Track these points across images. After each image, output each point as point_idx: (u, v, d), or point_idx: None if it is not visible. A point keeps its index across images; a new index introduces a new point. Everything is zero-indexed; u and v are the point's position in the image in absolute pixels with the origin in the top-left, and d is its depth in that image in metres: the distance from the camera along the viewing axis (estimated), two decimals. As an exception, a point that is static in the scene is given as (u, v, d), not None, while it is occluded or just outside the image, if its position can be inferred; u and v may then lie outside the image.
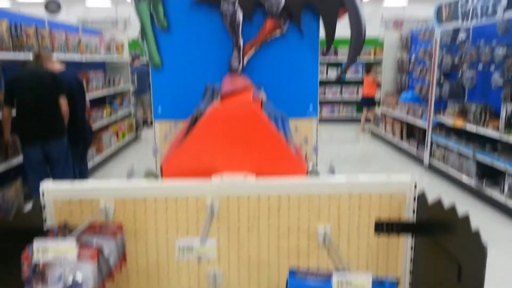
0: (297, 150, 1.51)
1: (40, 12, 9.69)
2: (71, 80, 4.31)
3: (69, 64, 5.60)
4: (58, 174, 3.99)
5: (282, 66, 2.77)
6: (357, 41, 2.63)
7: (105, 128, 6.85)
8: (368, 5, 11.37)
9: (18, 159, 4.28)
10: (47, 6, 6.85)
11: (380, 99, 8.89)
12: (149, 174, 1.75)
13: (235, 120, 1.20)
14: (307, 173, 1.34)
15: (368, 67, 9.21)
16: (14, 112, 3.86)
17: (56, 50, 5.11)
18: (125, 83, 8.18)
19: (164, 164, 1.35)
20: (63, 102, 3.97)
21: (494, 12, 4.99)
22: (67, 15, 9.99)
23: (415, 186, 1.29)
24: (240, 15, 2.62)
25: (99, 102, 6.95)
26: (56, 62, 4.33)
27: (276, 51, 2.75)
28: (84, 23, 9.07)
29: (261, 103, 1.36)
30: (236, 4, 2.60)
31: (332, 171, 1.87)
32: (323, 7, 2.64)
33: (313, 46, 2.76)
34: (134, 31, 2.68)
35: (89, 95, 5.65)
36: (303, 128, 2.84)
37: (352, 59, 2.70)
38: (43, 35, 4.77)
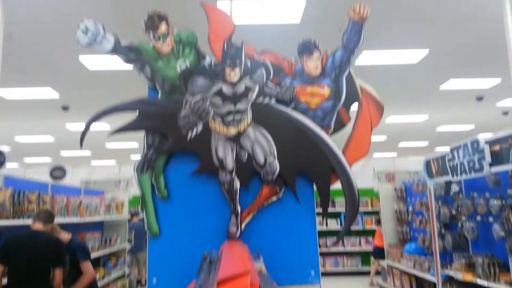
0: None
1: (46, 174, 10.17)
2: (77, 249, 4.17)
3: (67, 226, 5.59)
4: None
5: (280, 231, 2.76)
6: (351, 208, 2.68)
7: (96, 292, 6.43)
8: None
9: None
10: (52, 173, 7.19)
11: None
12: None
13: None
14: None
15: (378, 218, 9.20)
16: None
17: (57, 214, 5.14)
18: (122, 242, 8.02)
19: None
20: (58, 275, 3.75)
21: (481, 167, 5.22)
22: (72, 176, 10.46)
23: None
24: (237, 183, 2.72)
25: (93, 264, 6.68)
26: (63, 232, 4.26)
27: (273, 216, 2.77)
28: (87, 184, 9.39)
29: (259, 286, 1.29)
30: (234, 173, 2.72)
31: None
32: (316, 175, 2.76)
33: (310, 210, 2.79)
34: (135, 189, 2.75)
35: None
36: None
37: (349, 224, 2.71)
38: (45, 199, 4.86)
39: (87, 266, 3.83)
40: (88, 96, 8.11)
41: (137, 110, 2.77)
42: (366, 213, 10.64)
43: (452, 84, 8.33)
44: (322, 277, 9.92)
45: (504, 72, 5.64)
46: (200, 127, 2.75)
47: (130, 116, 2.82)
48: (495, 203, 5.33)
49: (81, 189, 6.75)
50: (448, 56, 6.92)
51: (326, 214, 2.82)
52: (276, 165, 2.75)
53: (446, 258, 6.36)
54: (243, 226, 2.69)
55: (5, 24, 4.47)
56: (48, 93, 8.17)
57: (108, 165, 12.07)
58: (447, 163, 6.11)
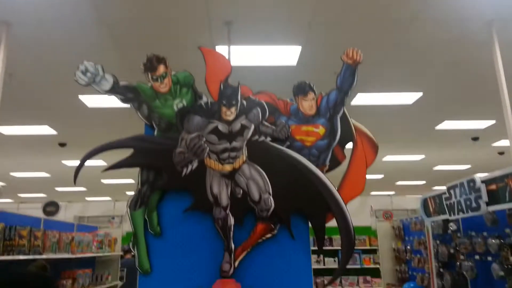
0: None
1: (40, 210, 10.04)
2: None
3: (58, 262, 5.47)
4: None
5: (274, 268, 2.72)
6: (347, 246, 2.66)
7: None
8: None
9: None
10: (45, 209, 7.12)
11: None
12: None
13: None
14: None
15: None
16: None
17: (48, 250, 5.06)
18: (113, 280, 7.82)
19: None
20: None
21: (478, 206, 5.20)
22: (66, 211, 10.34)
23: None
24: (231, 220, 2.70)
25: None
26: None
27: (268, 253, 2.74)
28: (80, 220, 9.28)
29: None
30: (228, 209, 2.72)
31: None
32: (312, 213, 2.76)
33: (305, 248, 2.77)
34: (129, 225, 2.72)
35: (74, 296, 5.33)
36: None
37: (345, 263, 2.69)
38: (37, 235, 4.79)
39: None
40: (86, 133, 8.14)
41: (133, 147, 2.80)
42: (364, 251, 10.47)
43: (447, 125, 8.45)
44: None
45: (498, 114, 5.74)
46: (195, 164, 2.76)
47: (125, 153, 2.84)
48: (493, 242, 5.28)
49: (74, 225, 6.66)
50: (442, 98, 7.06)
51: (322, 252, 2.79)
52: (271, 202, 2.75)
53: (446, 299, 6.23)
54: (236, 263, 2.65)
55: (7, 63, 4.57)
56: (45, 130, 8.20)
57: (103, 201, 11.96)
58: (444, 202, 6.10)
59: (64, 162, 10.73)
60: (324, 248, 10.46)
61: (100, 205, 11.85)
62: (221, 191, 2.74)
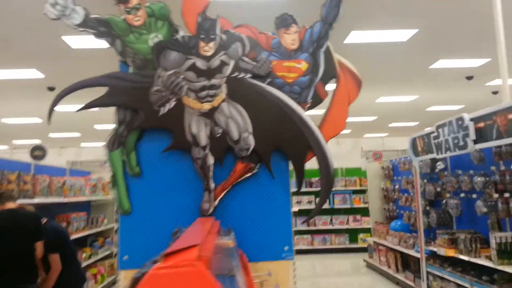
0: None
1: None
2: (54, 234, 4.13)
3: (51, 206, 5.55)
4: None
5: (254, 207, 2.73)
6: (326, 184, 2.66)
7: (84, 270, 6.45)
8: (349, 137, 12.02)
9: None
10: (32, 153, 7.12)
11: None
12: None
13: (174, 281, 1.10)
14: None
15: None
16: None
17: (38, 194, 5.09)
18: (110, 222, 8.01)
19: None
20: (40, 248, 3.78)
21: (465, 144, 5.22)
22: (59, 157, 10.37)
23: None
24: (210, 159, 2.68)
25: (80, 244, 6.69)
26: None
27: (247, 193, 2.74)
28: (73, 165, 9.33)
29: (209, 259, 1.26)
30: (207, 149, 2.68)
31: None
32: (292, 152, 2.72)
33: (284, 186, 2.77)
34: None
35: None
36: (278, 272, 2.66)
37: (323, 201, 2.70)
38: (25, 179, 4.80)
39: (52, 260, 3.83)
40: (73, 76, 7.89)
41: (108, 85, 2.70)
42: (354, 191, 10.73)
43: (442, 64, 8.29)
44: (310, 255, 10.13)
45: (493, 52, 5.59)
46: (172, 103, 2.68)
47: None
48: (478, 179, 5.37)
49: (66, 170, 6.69)
50: (437, 35, 6.85)
51: (299, 189, 2.79)
52: (251, 141, 2.71)
53: (431, 235, 6.45)
54: (216, 202, 2.67)
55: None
56: (33, 74, 8.04)
57: (97, 147, 11.98)
58: (432, 141, 6.12)
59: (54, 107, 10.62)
60: (316, 189, 10.73)
61: (93, 151, 11.87)
62: (200, 131, 2.69)
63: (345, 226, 10.66)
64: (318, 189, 10.57)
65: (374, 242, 8.38)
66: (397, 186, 8.05)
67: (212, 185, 2.67)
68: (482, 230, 5.40)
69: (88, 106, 2.71)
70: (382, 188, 8.71)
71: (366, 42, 6.98)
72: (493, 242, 4.73)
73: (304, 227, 10.53)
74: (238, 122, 2.73)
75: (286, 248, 2.71)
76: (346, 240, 10.70)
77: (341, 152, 11.50)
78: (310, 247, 10.49)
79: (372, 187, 8.89)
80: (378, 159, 9.00)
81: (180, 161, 2.70)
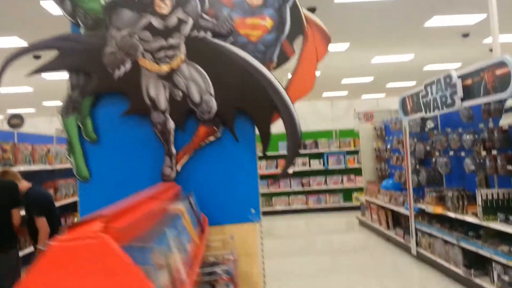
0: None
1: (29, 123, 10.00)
2: (31, 205, 4.13)
3: (36, 173, 5.54)
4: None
5: (219, 171, 2.67)
6: (293, 146, 2.58)
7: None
8: (346, 99, 11.85)
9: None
10: (9, 122, 7.06)
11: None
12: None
13: (76, 253, 1.04)
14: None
15: None
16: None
17: (20, 162, 5.07)
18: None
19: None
20: (16, 215, 3.79)
21: (453, 102, 5.09)
22: (50, 125, 10.28)
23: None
24: (171, 123, 2.58)
25: (71, 209, 6.74)
26: (23, 181, 4.21)
27: (212, 156, 2.67)
28: (62, 133, 9.28)
29: (122, 228, 1.20)
30: (167, 113, 2.58)
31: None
32: (256, 113, 2.62)
33: (250, 148, 2.69)
34: None
35: (57, 204, 5.49)
36: (245, 234, 2.64)
37: (290, 162, 2.63)
38: (5, 148, 4.76)
39: (40, 223, 3.85)
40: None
41: (58, 48, 2.57)
42: (348, 152, 10.70)
43: (437, 21, 7.96)
44: (305, 214, 10.23)
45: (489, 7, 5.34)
46: (128, 65, 2.55)
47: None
48: (467, 137, 5.27)
49: (53, 138, 6.64)
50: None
51: (265, 151, 2.70)
52: (213, 104, 2.61)
53: (420, 193, 6.45)
54: (178, 168, 2.60)
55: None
56: (15, 42, 7.82)
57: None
58: (420, 100, 5.97)
59: (43, 75, 10.44)
60: (310, 151, 10.70)
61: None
62: (159, 94, 2.58)
63: (339, 186, 10.70)
64: (313, 151, 10.59)
65: (366, 200, 8.43)
66: (388, 146, 7.99)
67: (174, 150, 2.60)
68: (471, 188, 5.36)
69: (39, 70, 2.59)
70: (375, 148, 8.66)
71: (357, 1, 6.66)
72: (479, 199, 4.71)
73: (299, 188, 10.59)
74: (199, 84, 2.61)
75: (252, 210, 2.67)
76: (340, 199, 10.78)
77: (336, 114, 11.37)
78: (305, 207, 10.59)
79: (364, 148, 8.85)
80: (369, 120, 8.88)
81: (139, 126, 2.61)
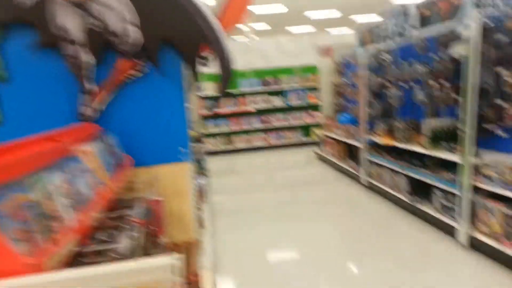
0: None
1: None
2: None
3: None
4: None
5: (144, 109, 2.49)
6: (225, 75, 2.39)
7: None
8: (311, 35, 11.50)
9: None
10: None
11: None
12: None
13: None
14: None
15: None
16: None
17: None
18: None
19: None
20: None
21: (409, 32, 4.96)
22: None
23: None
24: (85, 57, 2.33)
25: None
26: None
27: (138, 94, 2.47)
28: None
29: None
30: (80, 44, 2.32)
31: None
32: (182, 44, 2.40)
33: (177, 86, 2.50)
34: None
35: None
36: (175, 174, 2.53)
37: (222, 89, 2.46)
38: None
39: None
40: None
41: None
42: (309, 89, 10.59)
43: None
44: (267, 151, 10.23)
45: None
46: (32, -10, 2.23)
47: None
48: (419, 68, 5.22)
49: None
50: None
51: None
52: (134, 33, 2.35)
53: (373, 126, 6.51)
54: (97, 106, 2.39)
55: None
56: None
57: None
58: (377, 31, 5.82)
59: None
60: (270, 87, 10.50)
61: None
62: (69, 23, 2.29)
63: (300, 122, 10.72)
64: (274, 88, 10.40)
65: (324, 135, 8.51)
66: (346, 81, 7.92)
67: (90, 86, 2.37)
68: (420, 120, 5.43)
69: None
70: (334, 83, 8.58)
71: None
72: (425, 129, 4.78)
73: (259, 125, 10.53)
74: (117, 11, 2.33)
75: (182, 149, 2.54)
76: (300, 135, 10.86)
77: (300, 50, 11.05)
78: (265, 144, 10.63)
79: (324, 83, 8.75)
80: (328, 54, 8.69)
81: (52, 60, 2.34)
